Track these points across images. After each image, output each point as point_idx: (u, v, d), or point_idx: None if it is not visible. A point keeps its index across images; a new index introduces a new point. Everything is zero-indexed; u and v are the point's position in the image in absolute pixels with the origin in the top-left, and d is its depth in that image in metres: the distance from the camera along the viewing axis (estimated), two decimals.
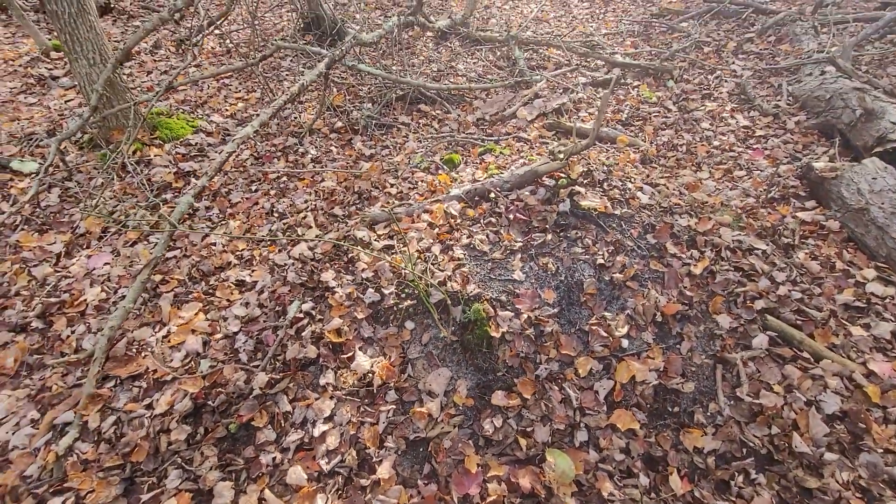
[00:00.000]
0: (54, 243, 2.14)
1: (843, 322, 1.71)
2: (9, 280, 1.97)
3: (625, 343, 1.56)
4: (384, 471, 1.38)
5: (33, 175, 2.47)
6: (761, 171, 2.56)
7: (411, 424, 1.47)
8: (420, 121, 3.07)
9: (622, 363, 1.53)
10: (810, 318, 1.68)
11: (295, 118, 3.02)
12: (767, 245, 1.87)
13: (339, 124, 2.95)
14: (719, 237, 1.84)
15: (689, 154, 2.79)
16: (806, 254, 1.93)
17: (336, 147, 2.78)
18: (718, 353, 1.59)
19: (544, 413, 1.47)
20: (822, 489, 1.38)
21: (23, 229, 2.21)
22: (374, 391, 1.52)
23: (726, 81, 3.47)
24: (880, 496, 1.37)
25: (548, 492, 1.37)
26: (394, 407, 1.49)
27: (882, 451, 1.44)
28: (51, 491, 1.36)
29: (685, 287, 1.68)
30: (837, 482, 1.39)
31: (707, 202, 2.08)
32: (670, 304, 1.61)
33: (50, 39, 3.70)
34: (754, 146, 2.84)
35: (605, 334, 1.56)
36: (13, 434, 1.49)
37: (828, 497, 1.36)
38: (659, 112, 3.22)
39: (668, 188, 2.10)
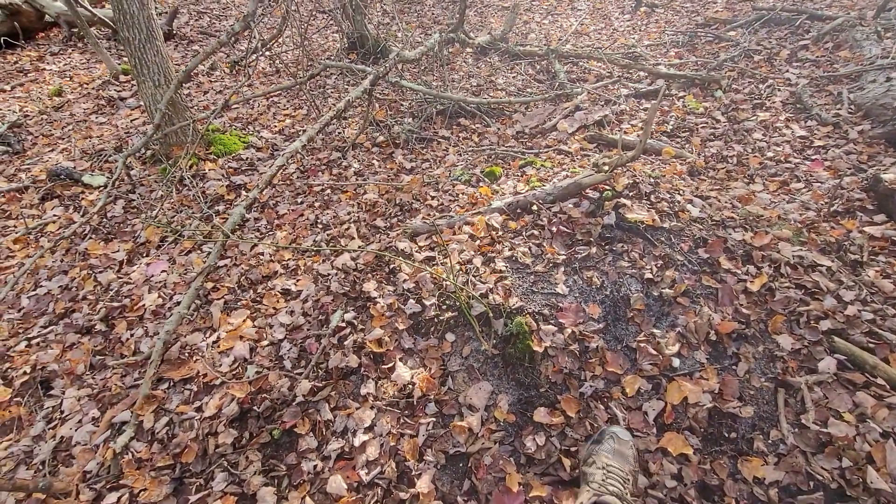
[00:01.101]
0: (118, 251, 2.29)
1: None
2: (77, 285, 2.11)
3: (676, 362, 1.48)
4: (423, 485, 1.36)
5: (101, 188, 2.66)
6: (822, 183, 2.41)
7: (451, 438, 1.45)
8: (460, 134, 3.10)
9: (673, 383, 1.46)
10: (884, 342, 1.54)
11: (339, 133, 3.12)
12: (833, 261, 1.75)
13: (381, 138, 3.02)
14: (778, 252, 1.73)
15: (740, 166, 2.67)
16: (877, 271, 1.78)
17: (378, 161, 2.85)
18: (780, 377, 1.48)
19: (589, 433, 1.42)
20: None
21: (91, 238, 2.37)
22: (414, 403, 1.51)
23: (780, 90, 3.31)
24: None
25: None
26: (433, 420, 1.48)
27: None
28: (108, 487, 1.43)
29: (741, 304, 1.59)
30: None
31: (763, 216, 1.98)
32: (725, 323, 1.52)
33: (119, 64, 4.01)
34: (813, 157, 2.68)
35: (654, 352, 1.49)
36: (76, 430, 1.58)
37: None
38: (706, 123, 3.11)
39: (719, 201, 2.01)
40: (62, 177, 2.73)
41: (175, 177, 2.53)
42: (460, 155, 2.82)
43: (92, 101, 3.69)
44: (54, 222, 2.50)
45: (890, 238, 1.95)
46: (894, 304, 1.67)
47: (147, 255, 2.27)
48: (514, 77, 3.87)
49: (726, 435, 1.41)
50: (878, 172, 2.20)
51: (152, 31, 2.52)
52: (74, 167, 2.81)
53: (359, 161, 2.84)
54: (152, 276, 2.12)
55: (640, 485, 1.35)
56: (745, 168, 2.65)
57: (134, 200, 2.60)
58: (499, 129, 3.12)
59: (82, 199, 2.64)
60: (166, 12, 4.78)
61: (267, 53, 4.32)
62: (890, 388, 1.46)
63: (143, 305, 1.97)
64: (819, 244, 1.82)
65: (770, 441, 1.40)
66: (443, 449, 1.43)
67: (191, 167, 2.73)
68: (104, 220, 2.49)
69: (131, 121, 3.39)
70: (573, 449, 1.40)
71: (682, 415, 1.43)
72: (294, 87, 3.14)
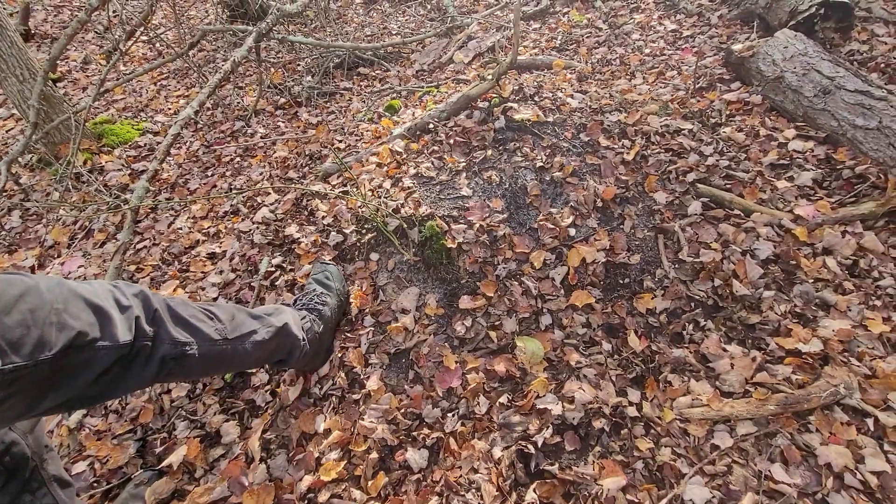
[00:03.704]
0: (26, 259, 2.19)
1: (769, 179, 1.85)
2: None
3: (572, 232, 1.68)
4: (373, 384, 1.51)
5: None
6: (691, 66, 2.67)
7: (391, 340, 1.59)
8: (361, 83, 3.12)
9: (572, 250, 1.66)
10: (738, 181, 1.82)
11: (238, 103, 3.05)
12: (694, 125, 2.00)
13: (283, 100, 2.98)
14: (648, 125, 1.95)
15: (623, 66, 2.89)
16: (733, 128, 2.06)
17: (283, 122, 2.83)
18: (658, 225, 1.72)
19: (509, 307, 1.60)
20: (762, 322, 1.53)
21: None
22: (353, 319, 1.64)
23: None
24: (814, 317, 1.53)
25: (522, 372, 1.51)
26: (372, 329, 1.61)
27: (812, 280, 1.60)
28: (72, 461, 1.47)
29: (621, 174, 1.80)
30: (776, 314, 1.55)
31: (636, 100, 2.20)
32: (609, 189, 1.73)
33: None
34: (683, 47, 2.94)
35: (552, 227, 1.68)
36: None
37: (768, 327, 1.52)
38: (590, 33, 3.30)
39: (598, 93, 2.21)
40: None
41: (68, 174, 2.41)
42: (363, 101, 2.85)
43: None
44: None
45: (743, 100, 2.23)
46: (746, 150, 1.96)
47: (59, 256, 2.19)
48: (407, 20, 3.87)
49: (621, 281, 1.65)
50: (730, 45, 2.47)
51: (0, 21, 2.32)
52: None
53: (264, 126, 2.81)
54: (69, 272, 2.07)
55: (558, 338, 1.56)
56: (627, 67, 2.87)
57: (31, 208, 2.47)
58: (399, 71, 3.16)
59: None
60: (17, 12, 4.30)
61: (143, 38, 4.05)
62: (745, 216, 1.74)
63: None
64: (682, 113, 2.06)
65: (656, 278, 1.65)
66: (385, 350, 1.57)
67: (84, 163, 2.60)
68: (3, 232, 2.35)
69: (6, 131, 3.12)
70: (497, 323, 1.59)
71: (583, 274, 1.65)
72: (176, 61, 3.01)
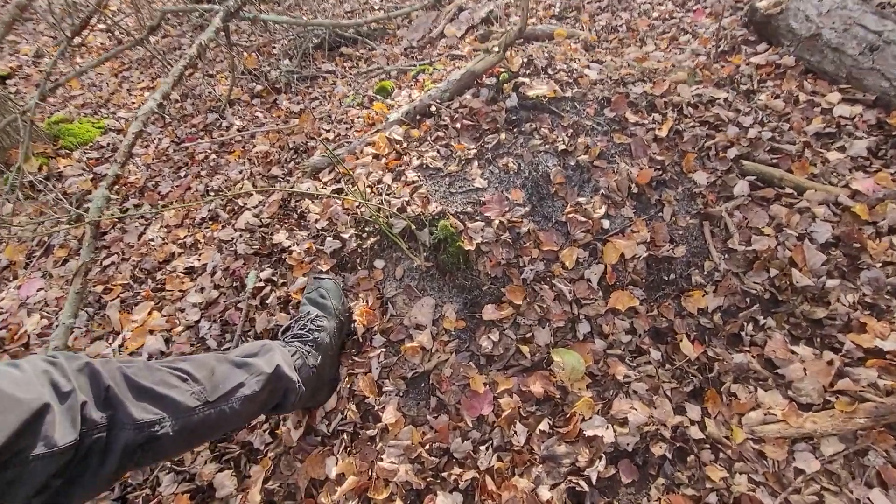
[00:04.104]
0: None
1: (818, 150, 1.65)
2: None
3: (606, 224, 1.46)
4: (389, 416, 1.29)
5: None
6: (706, 29, 2.43)
7: (406, 362, 1.37)
8: (345, 64, 2.83)
9: (608, 244, 1.44)
10: (785, 154, 1.61)
11: (210, 93, 2.74)
12: (728, 93, 1.77)
13: (259, 88, 2.69)
14: (678, 96, 1.72)
15: (630, 32, 2.64)
16: (767, 95, 1.84)
17: (262, 112, 2.54)
18: (702, 210, 1.51)
19: (540, 315, 1.39)
20: (830, 316, 1.34)
21: None
22: (360, 340, 1.41)
23: None
24: (888, 308, 1.34)
25: (562, 391, 1.30)
26: (384, 350, 1.39)
27: (881, 264, 1.41)
28: None
29: (654, 153, 1.58)
30: (844, 305, 1.36)
31: (658, 68, 1.96)
32: (643, 172, 1.51)
33: None
34: (694, 8, 2.70)
35: (583, 219, 1.46)
36: None
37: (837, 322, 1.33)
38: None
39: (615, 62, 1.97)
40: None
41: (20, 183, 2.11)
42: (350, 85, 2.57)
43: None
44: None
45: (773, 62, 2.01)
46: (787, 119, 1.74)
47: (15, 278, 1.92)
48: None
49: (666, 278, 1.44)
50: (753, 3, 2.23)
51: None
52: None
53: (240, 117, 2.53)
54: (28, 297, 1.81)
55: (600, 349, 1.36)
56: (636, 33, 2.62)
57: None
58: (385, 49, 2.87)
59: None
60: None
61: (101, 26, 3.69)
62: (798, 195, 1.53)
63: (26, 331, 1.68)
64: (713, 81, 1.84)
65: (705, 272, 1.45)
66: (400, 375, 1.35)
67: (39, 169, 2.30)
68: None
69: None
70: (528, 335, 1.37)
71: (622, 272, 1.44)
72: (136, 48, 2.69)
